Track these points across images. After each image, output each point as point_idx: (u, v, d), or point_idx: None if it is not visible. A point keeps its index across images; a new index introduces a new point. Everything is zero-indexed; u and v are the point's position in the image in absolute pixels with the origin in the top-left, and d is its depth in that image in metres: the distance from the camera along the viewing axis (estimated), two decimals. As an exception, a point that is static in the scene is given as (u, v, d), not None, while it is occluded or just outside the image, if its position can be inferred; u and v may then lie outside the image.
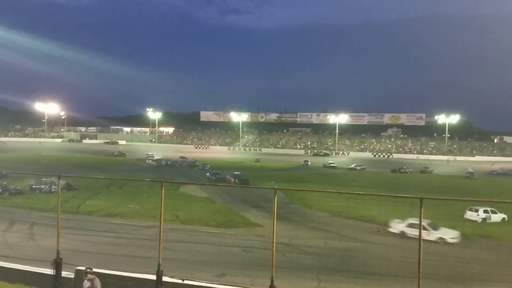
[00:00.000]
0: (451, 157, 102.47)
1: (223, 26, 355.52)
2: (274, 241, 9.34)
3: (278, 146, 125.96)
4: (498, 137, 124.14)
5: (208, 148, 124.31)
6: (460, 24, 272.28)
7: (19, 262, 12.34)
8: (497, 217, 30.17)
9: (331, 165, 78.44)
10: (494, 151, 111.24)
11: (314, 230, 26.22)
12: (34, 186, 36.04)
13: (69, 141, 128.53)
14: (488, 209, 30.41)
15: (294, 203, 33.44)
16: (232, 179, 47.47)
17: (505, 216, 30.23)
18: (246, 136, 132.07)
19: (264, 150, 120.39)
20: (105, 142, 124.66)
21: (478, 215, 30.25)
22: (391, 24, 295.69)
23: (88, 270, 9.22)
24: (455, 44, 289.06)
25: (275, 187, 9.67)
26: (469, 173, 66.70)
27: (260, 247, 19.07)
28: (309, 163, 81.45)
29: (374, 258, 19.31)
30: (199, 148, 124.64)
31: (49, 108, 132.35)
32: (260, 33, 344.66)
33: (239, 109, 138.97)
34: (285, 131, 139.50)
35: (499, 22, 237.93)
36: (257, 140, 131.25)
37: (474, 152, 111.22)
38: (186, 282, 10.31)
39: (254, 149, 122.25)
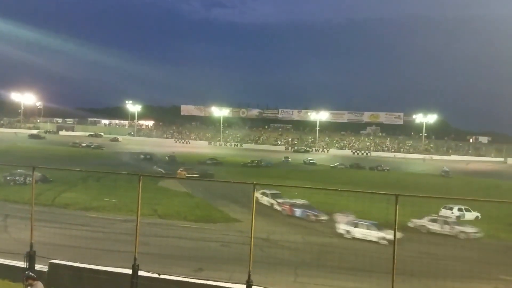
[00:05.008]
0: (427, 156, 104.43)
1: (206, 20, 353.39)
2: (252, 236, 9.36)
3: (259, 142, 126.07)
4: (474, 137, 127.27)
5: (188, 142, 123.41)
6: (439, 25, 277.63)
7: (-9, 255, 12.04)
8: (470, 215, 30.96)
9: (311, 161, 79.01)
10: (470, 151, 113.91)
11: (292, 226, 26.41)
12: (8, 178, 35.12)
13: (45, 132, 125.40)
14: (462, 207, 31.21)
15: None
16: None
17: (478, 214, 31.04)
18: (227, 132, 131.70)
19: (245, 145, 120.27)
20: (89, 135, 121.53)
21: (452, 213, 30.97)
22: (372, 24, 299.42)
23: (29, 274, 8.37)
24: (434, 45, 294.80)
25: (254, 182, 9.70)
26: (445, 171, 68.01)
27: (238, 242, 19.11)
28: (290, 159, 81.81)
29: (350, 253, 19.60)
30: (179, 142, 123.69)
31: (25, 98, 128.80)
32: (244, 28, 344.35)
33: (221, 104, 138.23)
34: (266, 127, 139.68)
35: (476, 24, 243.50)
36: (238, 135, 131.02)
37: (450, 151, 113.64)
38: (162, 276, 10.23)
39: (235, 144, 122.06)
